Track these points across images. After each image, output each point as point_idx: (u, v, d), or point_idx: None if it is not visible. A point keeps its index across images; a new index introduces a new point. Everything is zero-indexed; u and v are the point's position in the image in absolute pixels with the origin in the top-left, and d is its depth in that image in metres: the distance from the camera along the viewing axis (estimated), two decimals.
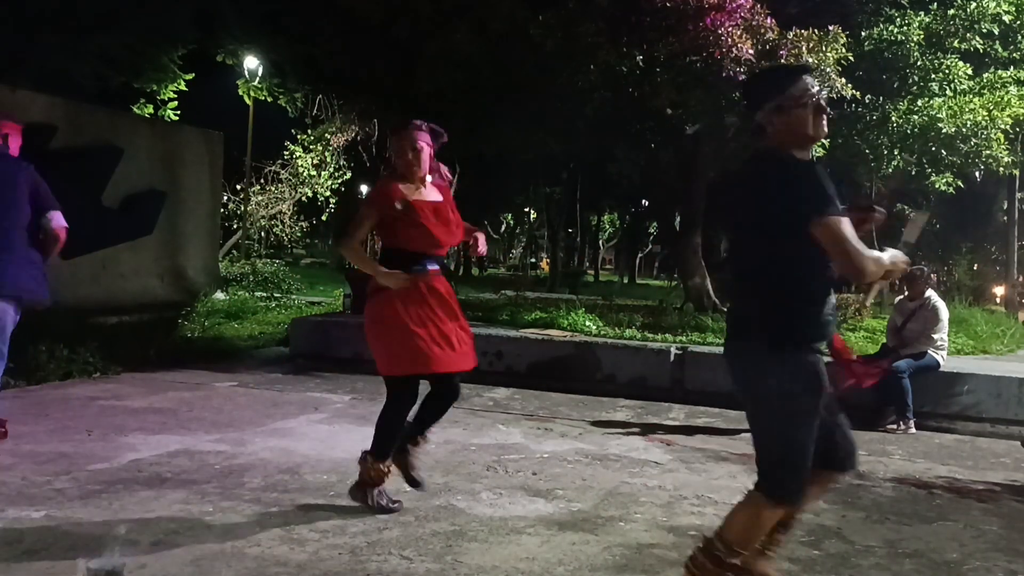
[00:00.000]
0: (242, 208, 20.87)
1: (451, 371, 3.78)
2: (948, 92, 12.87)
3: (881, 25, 12.78)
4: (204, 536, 3.39)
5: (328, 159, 20.29)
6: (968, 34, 12.66)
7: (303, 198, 21.49)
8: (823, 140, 12.36)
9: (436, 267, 3.74)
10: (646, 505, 4.20)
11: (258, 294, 12.80)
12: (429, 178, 3.81)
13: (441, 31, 11.40)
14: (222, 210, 15.48)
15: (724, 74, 10.18)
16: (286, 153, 21.24)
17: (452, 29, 11.23)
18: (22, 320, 4.36)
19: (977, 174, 14.50)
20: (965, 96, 12.63)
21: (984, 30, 12.68)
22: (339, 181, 20.79)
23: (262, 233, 22.07)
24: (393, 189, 3.73)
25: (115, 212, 8.98)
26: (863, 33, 12.61)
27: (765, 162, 2.61)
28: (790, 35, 10.53)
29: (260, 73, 18.70)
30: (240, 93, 19.58)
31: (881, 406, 6.68)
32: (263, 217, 21.21)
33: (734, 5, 10.22)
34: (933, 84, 12.85)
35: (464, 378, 7.87)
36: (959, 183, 14.45)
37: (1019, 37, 13.31)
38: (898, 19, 12.84)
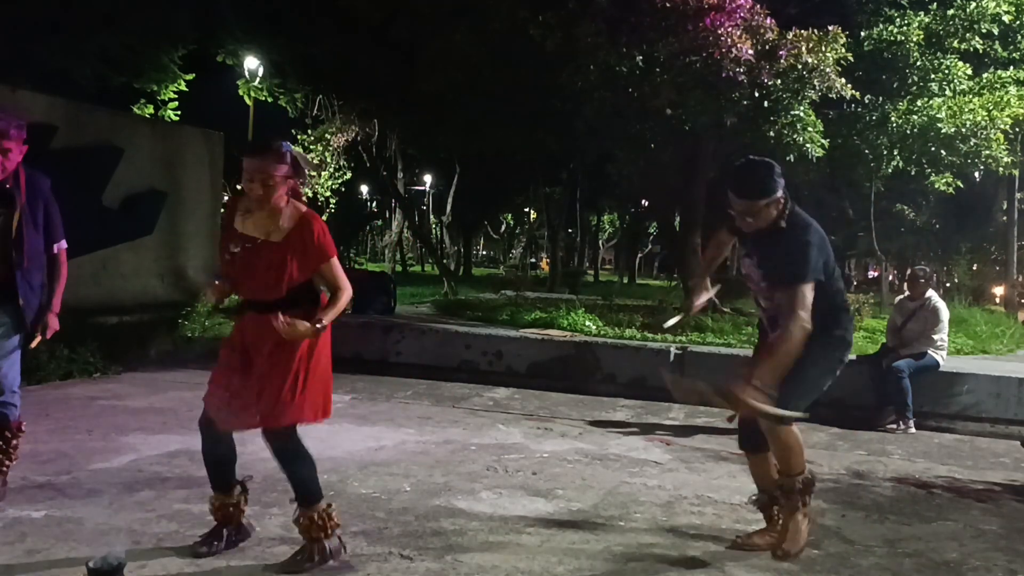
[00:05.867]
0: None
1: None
2: (948, 92, 12.88)
3: (881, 25, 12.78)
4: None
5: (328, 159, 20.29)
6: (968, 34, 12.66)
7: (303, 198, 21.44)
8: (823, 141, 12.37)
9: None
10: (646, 505, 4.20)
11: None
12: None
13: (441, 31, 11.41)
14: (222, 210, 15.44)
15: (724, 74, 10.18)
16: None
17: (452, 29, 11.24)
18: None
19: (976, 174, 14.52)
20: (964, 96, 12.63)
21: (984, 30, 12.68)
22: (339, 181, 20.78)
23: None
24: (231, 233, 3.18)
25: (115, 212, 8.98)
26: (863, 33, 12.62)
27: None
28: (790, 35, 10.54)
29: (260, 73, 18.68)
30: (240, 93, 19.55)
31: (881, 406, 6.68)
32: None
33: (734, 5, 10.22)
34: (933, 84, 12.85)
35: (465, 377, 7.94)
36: (958, 183, 14.46)
37: (1019, 37, 13.32)
38: (898, 19, 12.84)
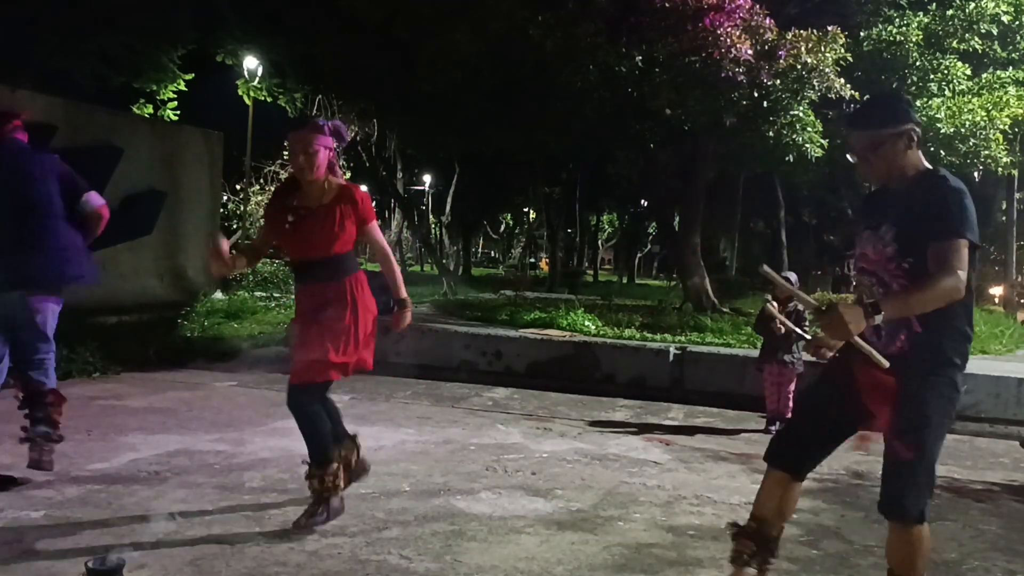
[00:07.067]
0: (242, 208, 20.87)
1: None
2: (947, 92, 12.89)
3: (880, 26, 12.80)
4: (204, 536, 3.40)
5: None
6: (967, 34, 12.68)
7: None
8: (822, 141, 12.33)
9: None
10: (645, 505, 4.20)
11: (258, 294, 12.80)
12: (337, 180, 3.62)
13: (440, 31, 11.41)
14: (222, 210, 15.46)
15: (723, 74, 10.20)
16: (286, 153, 21.19)
17: (452, 29, 11.25)
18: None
19: (976, 174, 14.52)
20: (964, 96, 12.65)
21: (983, 30, 12.70)
22: None
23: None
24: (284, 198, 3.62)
25: (115, 212, 8.97)
26: (862, 33, 12.64)
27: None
28: (789, 35, 10.56)
29: (260, 73, 18.69)
30: (240, 93, 19.56)
31: None
32: (263, 217, 21.21)
33: (733, 6, 10.24)
34: (932, 84, 12.87)
35: (464, 377, 7.95)
36: None
37: (1017, 37, 13.33)
38: (897, 20, 12.86)
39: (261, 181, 21.27)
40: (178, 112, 18.84)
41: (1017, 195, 21.34)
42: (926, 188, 2.55)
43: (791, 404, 6.26)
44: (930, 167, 2.64)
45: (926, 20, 12.84)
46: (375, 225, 3.66)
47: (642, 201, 33.74)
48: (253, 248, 3.78)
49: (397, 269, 3.74)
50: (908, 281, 2.54)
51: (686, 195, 14.56)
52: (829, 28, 10.82)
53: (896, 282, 2.58)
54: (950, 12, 12.71)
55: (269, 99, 18.82)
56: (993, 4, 12.49)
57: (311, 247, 3.51)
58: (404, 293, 3.70)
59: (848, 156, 2.72)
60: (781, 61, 10.48)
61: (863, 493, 4.68)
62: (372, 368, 3.70)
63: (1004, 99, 12.41)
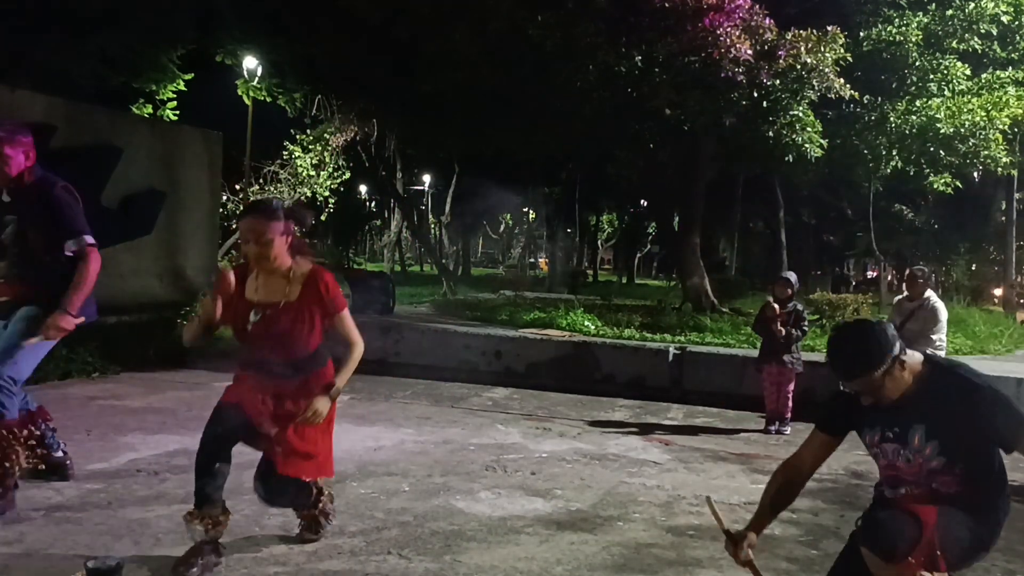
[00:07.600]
0: (241, 208, 20.88)
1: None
2: (946, 92, 12.91)
3: (880, 26, 12.82)
4: None
5: (327, 159, 20.32)
6: (966, 35, 12.71)
7: (302, 198, 21.48)
8: (821, 141, 12.30)
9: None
10: (644, 505, 4.21)
11: None
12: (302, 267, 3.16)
13: (440, 31, 11.43)
14: (221, 210, 15.44)
15: (723, 75, 10.22)
16: (285, 153, 21.25)
17: (451, 29, 11.26)
18: None
19: (975, 174, 14.56)
20: (963, 96, 12.66)
21: (982, 30, 12.72)
22: (338, 181, 20.82)
23: None
24: (229, 282, 3.19)
25: (114, 212, 8.97)
26: (862, 34, 12.66)
27: None
28: (788, 36, 10.58)
29: (260, 73, 18.70)
30: (240, 93, 19.58)
31: None
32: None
33: (733, 6, 10.26)
34: (931, 84, 12.89)
35: (464, 377, 7.95)
36: (957, 183, 14.49)
37: (1017, 37, 13.35)
38: (896, 20, 12.88)
39: (261, 181, 21.27)
40: (178, 112, 18.84)
41: (1017, 195, 21.35)
42: (951, 394, 2.51)
43: (790, 404, 6.27)
44: (928, 363, 2.60)
45: (926, 20, 12.86)
46: (346, 315, 3.20)
47: (642, 201, 33.76)
48: (205, 324, 3.23)
49: (355, 363, 3.21)
50: (963, 485, 2.53)
51: (686, 195, 14.59)
52: (829, 28, 10.84)
53: (948, 489, 2.55)
54: (950, 12, 12.73)
55: (269, 99, 18.83)
56: (993, 4, 12.50)
57: (279, 350, 3.14)
58: (342, 384, 3.18)
59: (846, 388, 2.67)
60: (781, 61, 10.50)
61: (863, 493, 4.68)
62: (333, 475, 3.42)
63: (1004, 99, 12.42)
